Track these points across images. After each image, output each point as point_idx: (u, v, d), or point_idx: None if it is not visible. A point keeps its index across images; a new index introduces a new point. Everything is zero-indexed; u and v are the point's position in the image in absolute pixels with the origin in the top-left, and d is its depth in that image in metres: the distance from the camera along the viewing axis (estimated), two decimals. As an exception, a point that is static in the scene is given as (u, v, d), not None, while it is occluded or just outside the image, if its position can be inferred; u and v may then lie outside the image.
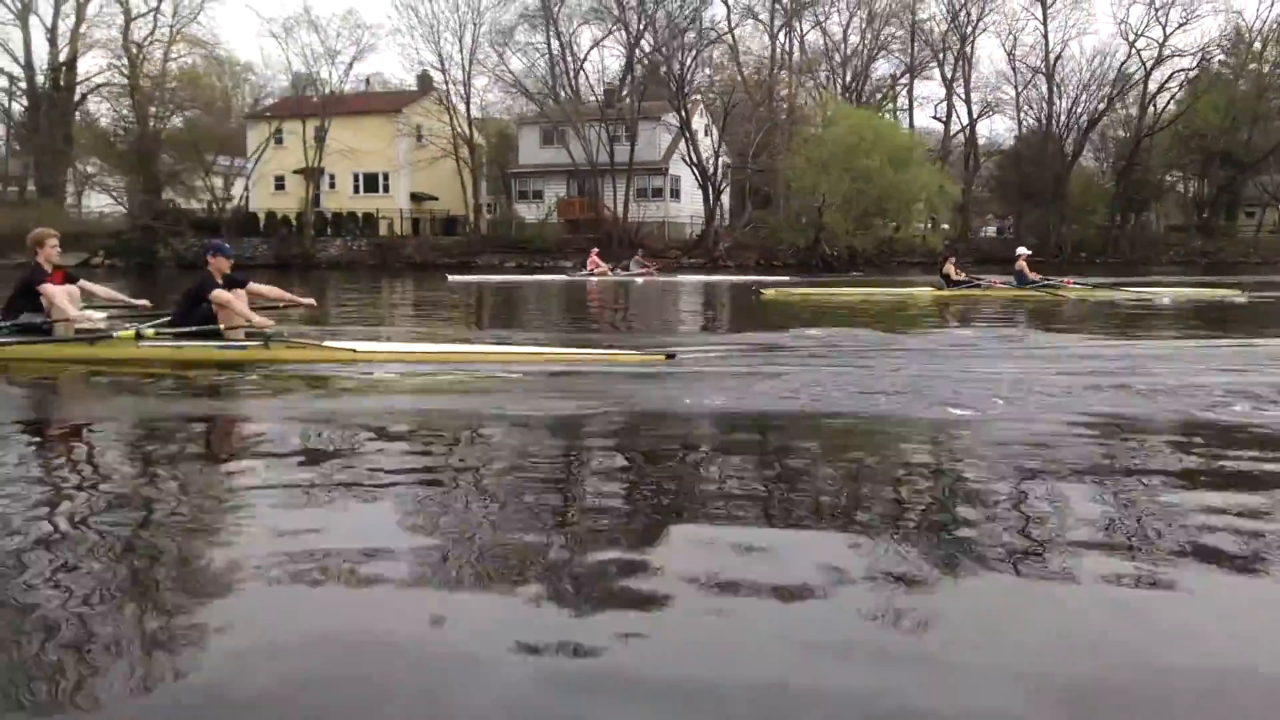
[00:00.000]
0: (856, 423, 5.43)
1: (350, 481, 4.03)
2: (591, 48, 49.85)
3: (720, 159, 43.90)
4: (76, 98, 49.51)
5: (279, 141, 45.96)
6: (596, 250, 30.56)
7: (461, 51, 43.72)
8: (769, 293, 18.88)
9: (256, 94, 49.83)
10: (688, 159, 43.00)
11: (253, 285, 8.10)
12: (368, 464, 4.36)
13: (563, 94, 45.21)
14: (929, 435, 5.14)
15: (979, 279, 18.67)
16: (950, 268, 18.49)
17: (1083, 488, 3.89)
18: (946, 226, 46.39)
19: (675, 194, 45.96)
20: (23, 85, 48.02)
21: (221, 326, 7.59)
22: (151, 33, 44.77)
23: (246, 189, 48.59)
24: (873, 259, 39.36)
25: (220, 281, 7.70)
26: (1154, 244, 47.27)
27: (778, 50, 46.03)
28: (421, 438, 5.11)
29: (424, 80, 47.53)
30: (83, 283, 7.95)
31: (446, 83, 44.49)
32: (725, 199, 47.17)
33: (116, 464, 4.56)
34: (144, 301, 8.55)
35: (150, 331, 7.46)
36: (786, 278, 26.71)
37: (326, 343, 7.79)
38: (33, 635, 2.45)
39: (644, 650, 2.44)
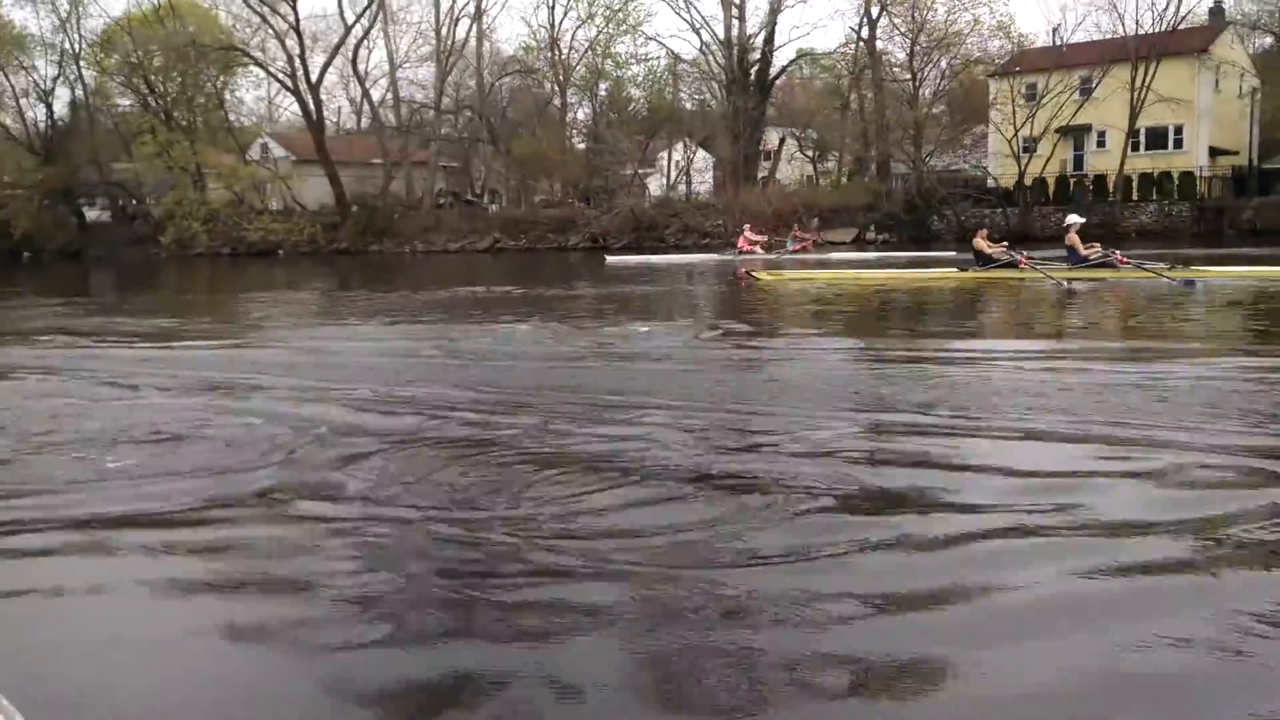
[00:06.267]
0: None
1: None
2: None
3: None
4: (774, 72, 48.54)
5: (1031, 98, 40.75)
6: (749, 226, 27.95)
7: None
8: (762, 276, 17.28)
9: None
10: None
11: None
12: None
13: None
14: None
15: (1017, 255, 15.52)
16: (982, 241, 16.03)
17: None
18: None
19: None
20: (721, 62, 47.61)
21: None
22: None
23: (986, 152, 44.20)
24: None
25: None
26: None
27: None
28: None
29: (1216, 11, 39.70)
30: None
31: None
32: None
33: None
34: None
35: None
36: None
37: None
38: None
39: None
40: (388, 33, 46.26)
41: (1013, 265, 15.24)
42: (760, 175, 49.77)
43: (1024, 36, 41.59)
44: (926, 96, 40.83)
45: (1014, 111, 38.19)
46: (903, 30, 40.73)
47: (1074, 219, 15.58)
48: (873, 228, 39.48)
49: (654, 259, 27.89)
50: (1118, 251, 15.29)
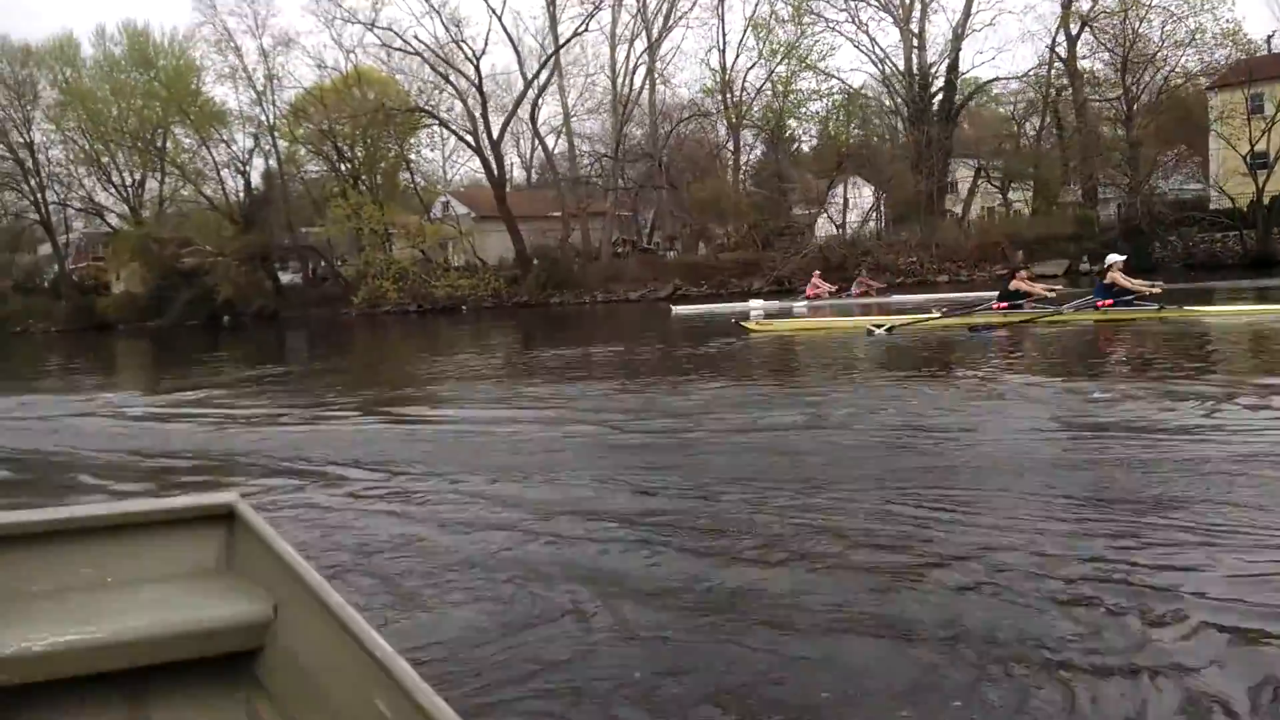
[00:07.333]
0: None
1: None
2: None
3: None
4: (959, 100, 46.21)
5: (1256, 110, 37.11)
6: (818, 272, 27.65)
7: None
8: (752, 325, 16.77)
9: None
10: None
11: None
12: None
13: None
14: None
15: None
16: (1022, 282, 15.28)
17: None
18: None
19: None
20: (902, 93, 45.89)
21: None
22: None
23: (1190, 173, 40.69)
24: None
25: None
26: None
27: None
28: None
29: None
30: None
31: None
32: None
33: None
34: None
35: None
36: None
37: None
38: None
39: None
40: (561, 86, 46.59)
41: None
42: (946, 208, 47.37)
43: (1251, 43, 37.93)
44: (1138, 114, 37.76)
45: (1249, 125, 34.71)
46: (1109, 46, 37.88)
47: (1113, 258, 14.75)
48: (1086, 258, 36.46)
49: (717, 307, 26.28)
50: (1159, 286, 14.81)
